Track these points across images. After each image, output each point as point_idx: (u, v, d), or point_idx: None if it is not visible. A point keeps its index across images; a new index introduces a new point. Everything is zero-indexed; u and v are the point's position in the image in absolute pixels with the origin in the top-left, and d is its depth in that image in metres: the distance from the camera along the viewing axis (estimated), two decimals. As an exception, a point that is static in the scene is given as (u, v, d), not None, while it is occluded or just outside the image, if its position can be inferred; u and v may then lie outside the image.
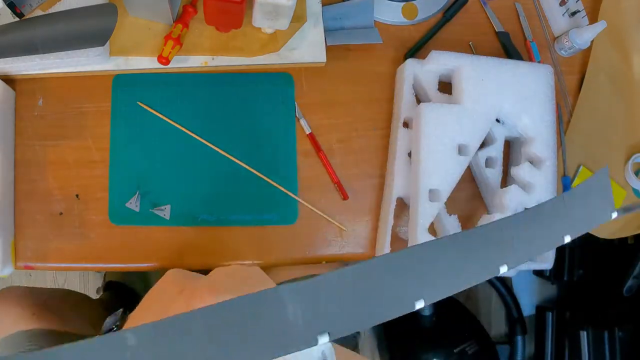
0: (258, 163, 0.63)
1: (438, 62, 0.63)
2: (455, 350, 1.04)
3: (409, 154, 0.63)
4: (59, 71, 0.62)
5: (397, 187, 0.62)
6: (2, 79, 0.60)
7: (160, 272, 0.50)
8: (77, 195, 0.61)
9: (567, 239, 0.32)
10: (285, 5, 0.57)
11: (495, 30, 0.70)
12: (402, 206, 0.64)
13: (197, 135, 0.63)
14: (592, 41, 0.69)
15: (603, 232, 0.70)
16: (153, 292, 0.44)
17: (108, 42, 0.60)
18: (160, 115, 0.63)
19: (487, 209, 0.66)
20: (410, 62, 0.64)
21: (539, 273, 1.25)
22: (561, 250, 1.12)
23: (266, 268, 0.74)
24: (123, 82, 0.64)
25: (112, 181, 0.62)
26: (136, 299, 1.21)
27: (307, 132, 0.65)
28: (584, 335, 1.09)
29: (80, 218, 0.61)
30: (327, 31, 0.65)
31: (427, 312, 1.04)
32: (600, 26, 0.66)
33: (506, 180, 0.66)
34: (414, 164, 0.61)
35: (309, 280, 0.25)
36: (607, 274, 1.09)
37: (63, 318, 0.72)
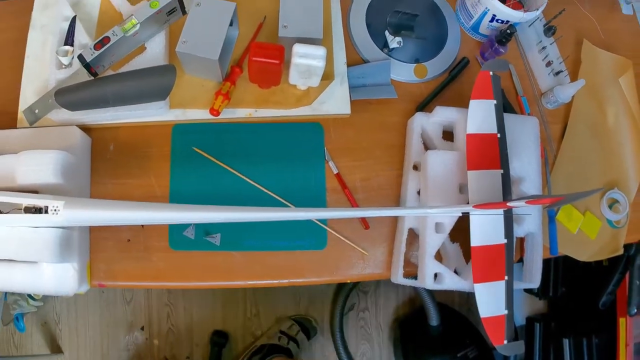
0: (293, 198, 0.71)
1: (442, 116, 0.71)
2: (458, 355, 1.09)
3: (418, 192, 0.70)
4: (127, 121, 0.70)
5: (408, 220, 0.69)
6: (81, 128, 0.67)
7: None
8: (142, 226, 0.69)
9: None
10: (317, 66, 0.65)
11: (492, 87, 0.79)
12: (413, 236, 0.71)
13: (242, 174, 0.71)
14: (573, 96, 0.78)
15: (582, 256, 0.77)
16: None
17: (168, 97, 0.68)
18: (212, 158, 0.71)
19: (484, 237, 0.73)
20: (418, 115, 0.71)
21: (528, 290, 1.32)
22: (547, 271, 1.17)
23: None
24: (181, 130, 0.72)
25: (172, 213, 0.69)
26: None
27: (335, 172, 0.73)
28: (566, 342, 1.18)
29: (144, 244, 0.69)
30: (352, 88, 0.74)
31: (435, 323, 1.10)
32: (580, 84, 0.75)
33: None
34: (423, 200, 0.69)
35: None
36: (585, 291, 1.16)
37: None
